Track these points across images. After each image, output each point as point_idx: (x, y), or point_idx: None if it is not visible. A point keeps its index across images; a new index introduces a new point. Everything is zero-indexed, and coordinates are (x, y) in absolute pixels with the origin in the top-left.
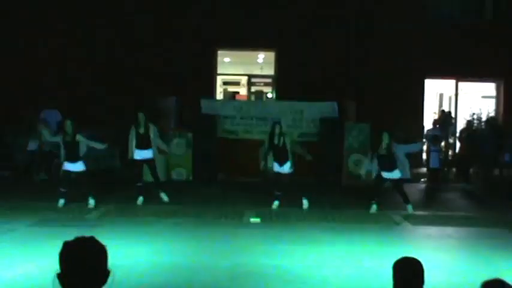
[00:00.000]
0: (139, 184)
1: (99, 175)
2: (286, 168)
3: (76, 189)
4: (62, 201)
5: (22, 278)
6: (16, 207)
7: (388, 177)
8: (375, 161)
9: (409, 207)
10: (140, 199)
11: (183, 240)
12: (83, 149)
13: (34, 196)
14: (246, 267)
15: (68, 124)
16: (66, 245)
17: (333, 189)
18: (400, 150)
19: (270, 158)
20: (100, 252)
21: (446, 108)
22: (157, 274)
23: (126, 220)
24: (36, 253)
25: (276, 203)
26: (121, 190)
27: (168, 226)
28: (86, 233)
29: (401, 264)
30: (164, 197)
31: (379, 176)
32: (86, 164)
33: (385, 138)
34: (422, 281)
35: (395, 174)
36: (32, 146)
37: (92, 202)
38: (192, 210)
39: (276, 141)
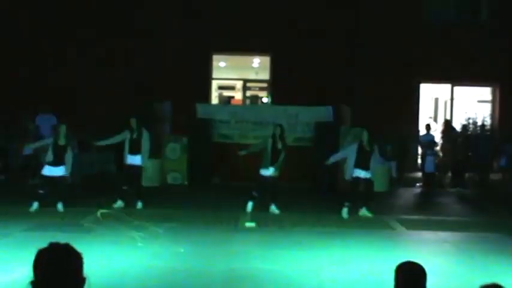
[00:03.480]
0: (124, 187)
1: (94, 179)
2: (272, 170)
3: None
4: (36, 205)
5: (17, 282)
6: (11, 212)
7: (364, 177)
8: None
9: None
10: (119, 203)
11: (178, 245)
12: (69, 155)
13: (29, 201)
14: (241, 272)
15: (63, 128)
16: (41, 252)
17: (327, 194)
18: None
19: (267, 161)
20: (75, 259)
21: (441, 114)
22: (152, 278)
23: (121, 225)
24: (32, 258)
25: (250, 204)
26: (115, 191)
27: (163, 230)
28: (82, 237)
29: (404, 268)
30: (140, 205)
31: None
32: (67, 170)
33: (365, 136)
34: (424, 286)
35: (369, 174)
36: (27, 150)
37: (60, 207)
38: (187, 214)
39: (278, 145)
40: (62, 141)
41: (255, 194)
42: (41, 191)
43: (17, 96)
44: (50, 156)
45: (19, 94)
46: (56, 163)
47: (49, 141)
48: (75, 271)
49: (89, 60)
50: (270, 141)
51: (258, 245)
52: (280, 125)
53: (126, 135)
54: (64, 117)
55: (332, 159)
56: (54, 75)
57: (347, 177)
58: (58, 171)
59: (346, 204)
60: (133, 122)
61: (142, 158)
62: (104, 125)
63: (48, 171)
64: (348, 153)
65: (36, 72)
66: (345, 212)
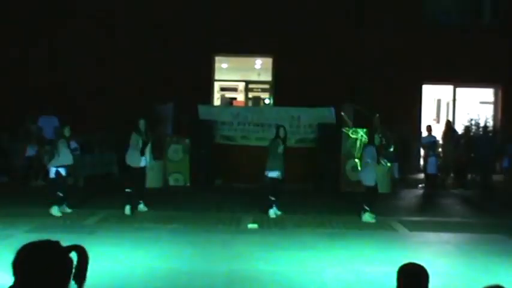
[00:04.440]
0: (128, 190)
1: (96, 180)
2: (279, 173)
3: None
4: (56, 208)
5: None
6: (14, 213)
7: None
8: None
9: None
10: (127, 208)
11: (181, 246)
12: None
13: (32, 202)
14: (243, 273)
15: (67, 130)
16: (20, 250)
17: (330, 195)
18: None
19: (276, 162)
20: (57, 255)
21: (444, 115)
22: (154, 280)
23: (124, 226)
24: None
25: (273, 211)
26: (119, 196)
27: (166, 232)
28: (84, 238)
29: (407, 269)
30: (142, 207)
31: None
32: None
33: (377, 140)
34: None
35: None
36: (30, 151)
37: (67, 208)
38: (190, 216)
39: (283, 146)
40: (68, 142)
41: (272, 198)
42: (60, 194)
43: (19, 98)
44: (61, 158)
45: (21, 96)
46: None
47: (61, 143)
48: (57, 267)
49: (90, 61)
50: (280, 142)
51: (260, 246)
52: (283, 126)
53: (138, 139)
54: (66, 119)
55: (369, 161)
56: (55, 76)
57: (373, 183)
58: (64, 171)
59: (368, 208)
60: (142, 124)
61: (150, 158)
62: (107, 127)
63: (61, 171)
64: (370, 157)
65: (37, 75)
66: (367, 217)
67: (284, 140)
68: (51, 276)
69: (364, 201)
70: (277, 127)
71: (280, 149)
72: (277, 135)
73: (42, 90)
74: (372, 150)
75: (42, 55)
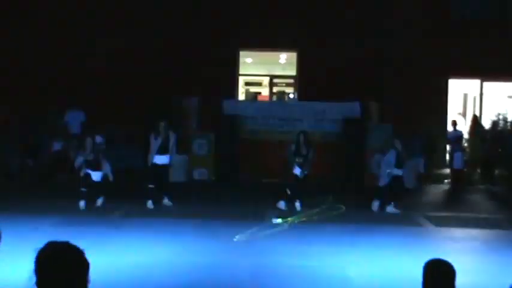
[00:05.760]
0: (151, 186)
1: (122, 174)
2: (301, 171)
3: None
4: (82, 203)
5: None
6: (40, 207)
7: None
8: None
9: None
10: (149, 203)
11: (205, 241)
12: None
13: (58, 196)
14: (268, 267)
15: (89, 142)
16: (39, 253)
17: (355, 190)
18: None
19: (295, 164)
20: (79, 263)
21: (470, 110)
22: (178, 274)
23: (148, 220)
24: None
25: (299, 205)
26: (144, 190)
27: (190, 226)
28: (109, 232)
29: (433, 266)
30: (168, 203)
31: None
32: (103, 176)
33: (399, 145)
34: (453, 285)
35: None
36: (56, 146)
37: (100, 202)
38: (214, 210)
39: (302, 151)
40: (90, 156)
41: (296, 194)
42: (83, 189)
43: (46, 93)
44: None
45: (48, 90)
46: (94, 170)
47: (80, 159)
48: (77, 272)
49: (118, 55)
50: (293, 147)
51: (284, 241)
52: (303, 132)
53: (155, 140)
54: (93, 112)
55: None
56: (82, 71)
57: (386, 181)
58: (96, 176)
59: (389, 201)
60: (161, 126)
61: (171, 158)
62: (132, 121)
63: (89, 171)
64: (389, 161)
65: (65, 68)
66: (391, 208)
67: (307, 144)
68: (71, 279)
69: (383, 195)
70: (298, 133)
71: (299, 158)
72: (297, 141)
73: (69, 84)
74: (392, 157)
75: (69, 50)
